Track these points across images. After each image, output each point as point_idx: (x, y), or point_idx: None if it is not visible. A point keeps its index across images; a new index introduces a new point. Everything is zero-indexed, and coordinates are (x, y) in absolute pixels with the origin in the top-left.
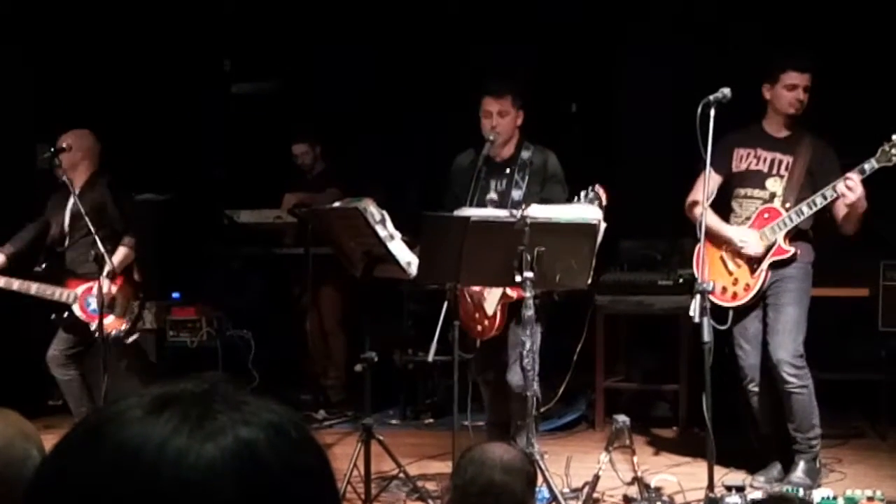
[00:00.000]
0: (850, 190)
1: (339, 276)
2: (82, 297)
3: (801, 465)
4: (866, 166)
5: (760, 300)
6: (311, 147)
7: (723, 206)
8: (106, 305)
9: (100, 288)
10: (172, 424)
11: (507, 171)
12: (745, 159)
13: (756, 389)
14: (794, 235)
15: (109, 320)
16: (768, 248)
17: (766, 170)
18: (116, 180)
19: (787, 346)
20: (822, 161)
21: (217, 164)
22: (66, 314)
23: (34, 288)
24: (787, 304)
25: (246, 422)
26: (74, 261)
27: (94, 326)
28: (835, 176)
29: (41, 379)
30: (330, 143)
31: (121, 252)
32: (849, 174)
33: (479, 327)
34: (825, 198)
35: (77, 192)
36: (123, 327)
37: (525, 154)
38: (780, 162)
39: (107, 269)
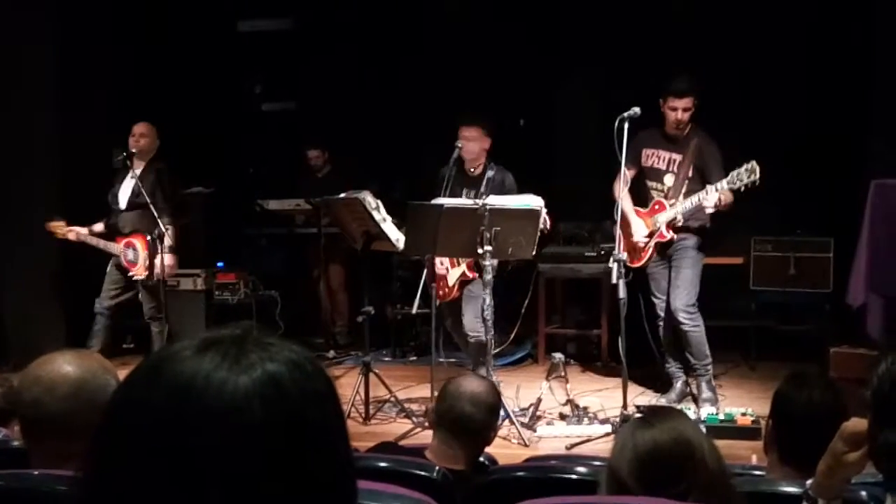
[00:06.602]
0: (708, 203)
1: (344, 249)
2: (125, 250)
3: (704, 385)
4: (717, 185)
5: (667, 263)
6: (322, 152)
7: (640, 191)
8: (133, 258)
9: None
10: (215, 361)
11: (476, 183)
12: (650, 158)
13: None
14: (687, 219)
15: (138, 268)
16: (653, 232)
17: (664, 168)
18: (168, 171)
19: (682, 297)
20: (705, 158)
21: (250, 164)
22: (110, 266)
23: (101, 243)
24: (683, 267)
25: (272, 359)
26: (126, 223)
27: (131, 272)
28: (716, 167)
29: (118, 328)
30: (335, 150)
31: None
32: (706, 190)
33: (441, 292)
34: (692, 203)
35: (138, 173)
36: (145, 274)
37: (490, 173)
38: (674, 160)
39: (167, 239)
